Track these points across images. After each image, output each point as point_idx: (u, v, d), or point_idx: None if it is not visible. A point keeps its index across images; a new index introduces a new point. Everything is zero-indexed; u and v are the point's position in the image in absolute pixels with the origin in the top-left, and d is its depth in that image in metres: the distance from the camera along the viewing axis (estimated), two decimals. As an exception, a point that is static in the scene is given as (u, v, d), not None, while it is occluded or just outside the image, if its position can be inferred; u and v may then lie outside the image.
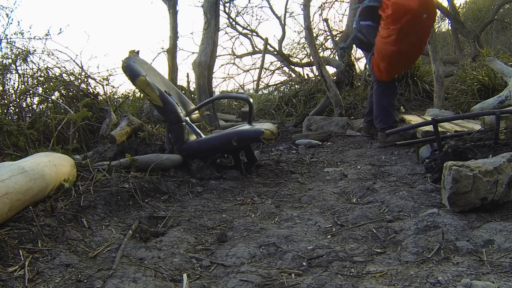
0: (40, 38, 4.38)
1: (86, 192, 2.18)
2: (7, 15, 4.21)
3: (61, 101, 3.97)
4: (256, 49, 10.10)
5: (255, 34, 10.02)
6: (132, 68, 2.90)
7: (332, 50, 8.80)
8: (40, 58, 4.92)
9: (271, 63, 10.23)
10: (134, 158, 2.73)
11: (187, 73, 12.27)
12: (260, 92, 8.90)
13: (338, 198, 2.45)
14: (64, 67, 4.38)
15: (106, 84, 4.60)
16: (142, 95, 5.17)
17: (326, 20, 8.31)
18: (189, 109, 3.34)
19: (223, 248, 1.75)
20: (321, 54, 6.80)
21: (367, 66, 3.84)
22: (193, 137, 3.10)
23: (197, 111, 3.49)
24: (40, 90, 4.08)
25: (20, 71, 4.09)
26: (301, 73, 8.87)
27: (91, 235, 1.82)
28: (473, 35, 8.28)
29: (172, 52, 7.89)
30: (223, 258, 1.65)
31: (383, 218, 1.99)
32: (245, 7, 11.21)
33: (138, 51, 3.17)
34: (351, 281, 1.38)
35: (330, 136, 4.55)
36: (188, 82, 7.58)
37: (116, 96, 5.19)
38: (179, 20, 7.77)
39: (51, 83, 4.03)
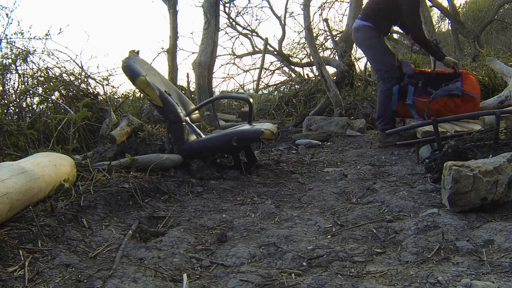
0: (40, 38, 4.40)
1: (86, 192, 2.18)
2: (7, 15, 4.22)
3: (61, 101, 3.97)
4: (256, 49, 10.12)
5: (255, 34, 10.05)
6: (132, 68, 2.89)
7: (332, 50, 8.80)
8: (40, 58, 4.95)
9: (271, 63, 10.25)
10: (134, 158, 2.73)
11: (187, 73, 12.29)
12: (260, 92, 8.91)
13: (338, 198, 2.45)
14: (64, 67, 4.39)
15: (106, 84, 4.62)
16: (142, 95, 5.17)
17: (326, 20, 8.33)
18: (189, 109, 3.34)
19: (223, 248, 1.75)
20: (321, 54, 6.81)
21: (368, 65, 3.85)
22: (193, 137, 3.10)
23: (197, 111, 3.50)
24: (40, 90, 4.08)
25: (20, 71, 4.10)
26: (301, 73, 8.89)
27: (91, 235, 1.82)
28: (473, 35, 8.29)
29: (172, 52, 7.91)
30: (223, 258, 1.65)
31: (383, 218, 1.99)
32: (245, 7, 11.23)
33: (138, 51, 3.17)
34: (351, 281, 1.38)
35: (330, 136, 4.55)
36: (188, 82, 7.59)
37: (116, 96, 5.20)
38: (179, 20, 7.82)
39: (51, 83, 4.03)
